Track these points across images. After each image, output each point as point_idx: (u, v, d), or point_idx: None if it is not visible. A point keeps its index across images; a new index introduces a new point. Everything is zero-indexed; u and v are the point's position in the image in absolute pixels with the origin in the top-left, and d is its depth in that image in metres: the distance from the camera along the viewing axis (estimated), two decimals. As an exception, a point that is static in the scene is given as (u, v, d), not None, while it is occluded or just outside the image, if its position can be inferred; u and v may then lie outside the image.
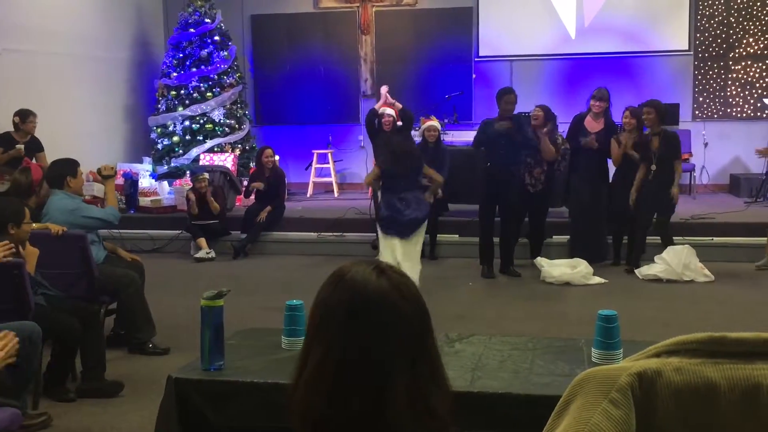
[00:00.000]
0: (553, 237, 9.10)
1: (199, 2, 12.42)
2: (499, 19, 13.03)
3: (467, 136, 11.32)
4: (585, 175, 8.64)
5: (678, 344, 1.28)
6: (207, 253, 9.56)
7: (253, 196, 10.46)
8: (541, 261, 8.31)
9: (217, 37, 12.44)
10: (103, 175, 6.26)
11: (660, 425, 1.23)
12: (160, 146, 12.33)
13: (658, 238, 8.49)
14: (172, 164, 12.12)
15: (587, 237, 8.76)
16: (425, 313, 1.42)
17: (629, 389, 1.23)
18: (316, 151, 12.81)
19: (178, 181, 11.48)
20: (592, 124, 8.66)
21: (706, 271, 8.09)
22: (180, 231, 10.13)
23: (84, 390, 4.96)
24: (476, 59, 13.15)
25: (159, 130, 12.38)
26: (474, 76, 13.10)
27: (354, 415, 1.28)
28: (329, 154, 12.78)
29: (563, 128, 9.24)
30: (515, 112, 8.26)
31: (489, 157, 8.23)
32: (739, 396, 1.23)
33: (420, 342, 1.37)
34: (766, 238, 8.45)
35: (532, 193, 8.46)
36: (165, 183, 11.76)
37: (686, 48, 12.62)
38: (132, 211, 10.90)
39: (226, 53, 12.47)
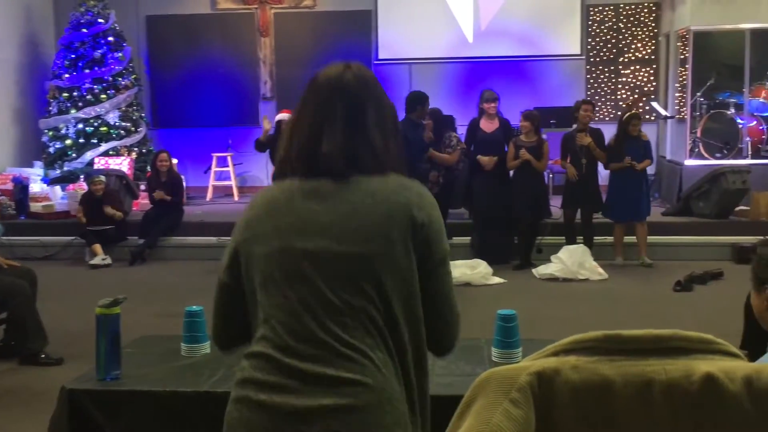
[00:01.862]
0: (453, 239, 9.19)
1: (92, 2, 12.11)
2: (398, 22, 13.13)
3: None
4: (486, 176, 8.75)
5: (575, 343, 1.31)
6: (102, 260, 9.32)
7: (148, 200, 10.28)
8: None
9: (111, 38, 12.15)
10: None
11: (559, 422, 1.26)
12: (52, 150, 11.96)
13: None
14: (65, 168, 11.76)
15: (491, 238, 8.88)
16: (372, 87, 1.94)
17: (529, 388, 1.25)
18: (215, 154, 12.63)
19: (71, 186, 11.14)
20: (488, 125, 8.82)
21: (600, 270, 8.33)
22: (74, 237, 9.83)
23: None
24: (375, 62, 13.21)
25: (51, 133, 12.00)
26: (374, 78, 13.15)
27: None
28: (229, 158, 12.63)
29: (461, 131, 9.37)
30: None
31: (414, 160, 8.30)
32: (634, 392, 1.26)
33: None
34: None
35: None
36: (58, 188, 11.40)
37: (578, 52, 12.98)
38: (22, 218, 10.52)
39: (120, 54, 12.19)
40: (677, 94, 12.21)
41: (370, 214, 1.79)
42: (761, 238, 2.96)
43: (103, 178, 9.89)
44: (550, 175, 11.79)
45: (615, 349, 1.30)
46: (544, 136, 9.18)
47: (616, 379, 1.26)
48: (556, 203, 9.84)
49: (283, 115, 9.35)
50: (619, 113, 11.28)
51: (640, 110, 10.47)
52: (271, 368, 1.76)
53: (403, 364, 1.79)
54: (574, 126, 9.12)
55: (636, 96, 12.28)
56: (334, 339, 1.72)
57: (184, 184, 11.29)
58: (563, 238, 8.93)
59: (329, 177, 1.82)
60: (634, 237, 8.84)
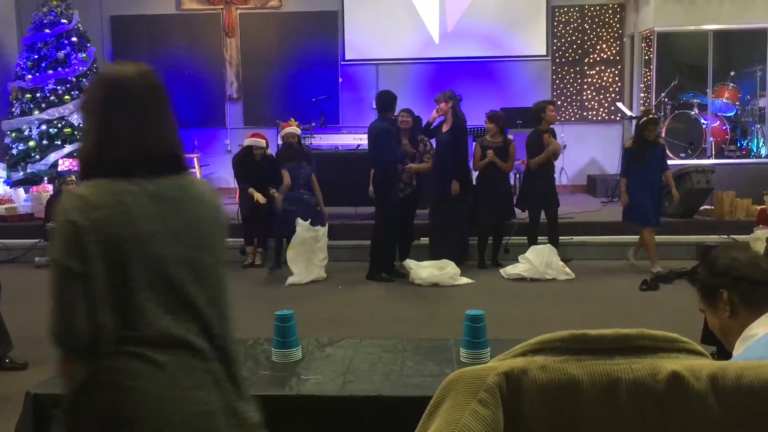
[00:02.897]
0: (421, 239, 9.21)
1: (55, 2, 11.97)
2: (365, 23, 13.13)
3: (334, 140, 11.35)
4: (441, 176, 8.72)
5: (542, 343, 1.32)
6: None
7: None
8: (410, 263, 8.41)
9: (74, 38, 12.02)
10: None
11: (527, 422, 1.26)
12: (14, 151, 11.80)
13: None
14: (29, 170, 11.61)
15: (447, 237, 8.88)
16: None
17: (497, 389, 1.25)
18: (181, 156, 12.55)
19: (35, 188, 11.00)
20: (444, 126, 8.85)
21: (567, 270, 8.39)
22: (38, 240, 9.71)
23: None
24: (342, 63, 13.21)
25: (13, 134, 11.84)
26: (341, 79, 13.15)
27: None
28: (195, 159, 12.55)
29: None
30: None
31: (394, 160, 8.27)
32: (601, 391, 1.27)
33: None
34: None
35: (402, 197, 8.51)
36: (21, 190, 11.25)
37: (544, 53, 13.07)
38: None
39: (84, 55, 12.06)
40: (642, 95, 12.36)
41: (209, 220, 2.04)
42: (714, 241, 3.00)
43: (73, 177, 9.79)
44: (516, 176, 11.88)
45: (582, 348, 1.31)
46: (510, 137, 9.21)
47: (583, 379, 1.27)
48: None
49: (253, 140, 9.23)
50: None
51: (656, 113, 10.38)
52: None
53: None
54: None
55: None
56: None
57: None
58: (527, 238, 8.97)
59: (167, 177, 1.96)
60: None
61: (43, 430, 2.75)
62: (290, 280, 8.27)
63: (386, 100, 8.39)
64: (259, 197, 8.77)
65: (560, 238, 8.95)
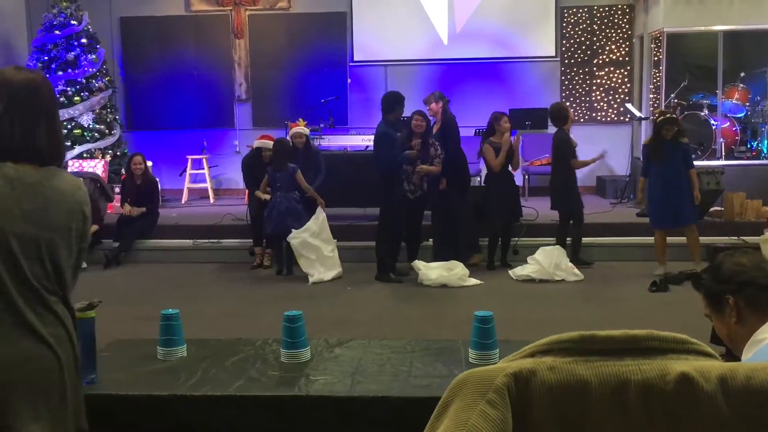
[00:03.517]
0: (429, 240, 9.21)
1: (65, 3, 12.00)
2: (373, 24, 13.14)
3: (343, 141, 11.37)
4: (443, 176, 8.70)
5: (551, 344, 1.32)
6: (77, 263, 9.23)
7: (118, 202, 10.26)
8: (418, 264, 8.41)
9: (84, 40, 12.05)
10: None
11: (535, 423, 1.26)
12: (24, 152, 11.84)
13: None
14: (39, 171, 11.65)
15: (450, 237, 8.87)
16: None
17: (506, 389, 1.26)
18: (190, 157, 12.58)
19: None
20: (435, 126, 8.86)
21: (576, 271, 8.38)
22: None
23: None
24: (351, 64, 13.21)
25: (23, 135, 11.88)
26: (349, 80, 13.16)
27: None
28: (204, 160, 12.58)
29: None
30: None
31: (399, 162, 8.26)
32: (610, 392, 1.27)
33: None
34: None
35: (412, 199, 8.53)
36: (31, 191, 11.29)
37: (553, 54, 13.05)
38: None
39: (94, 56, 12.10)
40: (651, 96, 12.32)
41: (60, 207, 2.35)
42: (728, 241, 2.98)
43: (81, 180, 9.84)
44: (526, 177, 11.87)
45: (591, 349, 1.31)
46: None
47: (592, 380, 1.27)
48: (533, 204, 9.94)
49: (262, 142, 9.27)
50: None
51: (675, 114, 10.25)
52: None
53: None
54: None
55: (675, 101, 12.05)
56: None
57: (159, 186, 11.23)
58: (539, 239, 8.97)
59: (32, 167, 2.34)
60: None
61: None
62: (312, 279, 8.38)
63: (389, 102, 8.42)
64: (266, 197, 8.79)
65: (570, 240, 8.97)
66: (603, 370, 1.28)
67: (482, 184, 9.59)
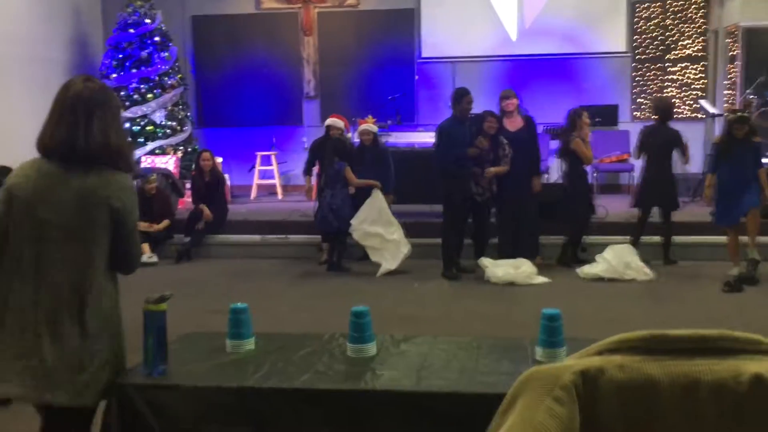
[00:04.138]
0: (497, 238, 9.15)
1: (139, 2, 12.26)
2: (442, 20, 13.10)
3: (410, 138, 11.36)
4: (514, 174, 8.61)
5: (620, 342, 1.30)
6: (149, 258, 9.42)
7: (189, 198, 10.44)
8: (485, 261, 8.36)
9: (157, 38, 12.29)
10: None
11: (603, 421, 1.25)
12: (100, 149, 12.11)
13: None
14: (113, 167, 11.91)
15: (517, 236, 8.79)
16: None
17: (573, 387, 1.24)
18: (259, 153, 12.73)
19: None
20: (511, 124, 8.72)
21: (647, 270, 8.23)
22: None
23: None
24: (419, 60, 13.20)
25: (99, 132, 12.16)
26: (417, 77, 13.15)
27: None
28: (273, 156, 12.71)
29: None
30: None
31: (455, 159, 8.23)
32: (680, 391, 1.25)
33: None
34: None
35: (480, 201, 8.51)
36: (105, 186, 11.56)
37: (624, 50, 12.84)
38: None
39: (166, 54, 12.32)
40: (727, 92, 12.03)
41: (86, 200, 2.73)
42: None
43: (155, 176, 10.05)
44: (595, 174, 11.71)
45: (661, 349, 1.28)
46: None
47: (661, 379, 1.25)
48: (603, 202, 9.82)
49: (333, 120, 9.39)
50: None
51: (750, 111, 9.95)
52: None
53: None
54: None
55: (750, 97, 11.74)
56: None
57: (228, 182, 11.40)
58: (609, 237, 8.86)
59: (75, 165, 2.76)
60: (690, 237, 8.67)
61: (127, 419, 2.83)
62: (381, 270, 8.44)
63: (453, 98, 8.54)
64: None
65: (643, 237, 8.86)
66: (673, 369, 1.26)
67: (560, 182, 9.53)
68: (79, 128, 2.72)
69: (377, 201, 8.55)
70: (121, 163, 2.82)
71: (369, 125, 9.33)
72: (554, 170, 11.01)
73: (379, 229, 8.49)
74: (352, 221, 8.48)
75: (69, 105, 2.75)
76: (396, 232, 8.58)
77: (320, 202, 8.87)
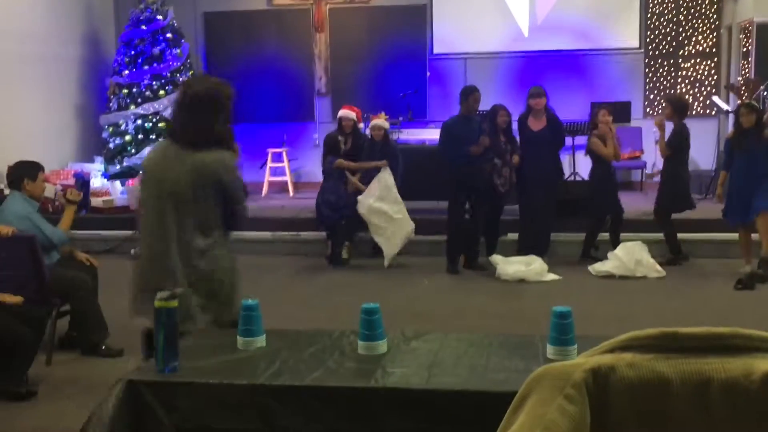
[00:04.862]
0: (508, 235, 9.15)
1: (151, -1, 12.28)
2: (453, 16, 13.08)
3: (422, 134, 11.36)
4: (537, 171, 8.61)
5: (631, 340, 1.30)
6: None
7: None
8: (496, 258, 8.36)
9: (169, 35, 12.29)
10: (68, 199, 6.17)
11: (614, 420, 1.24)
12: (111, 145, 12.15)
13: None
14: (125, 164, 11.96)
15: (537, 232, 8.79)
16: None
17: (584, 385, 1.24)
18: (270, 150, 12.74)
19: (131, 181, 11.33)
20: (535, 123, 8.69)
21: (658, 267, 8.21)
22: (133, 231, 9.99)
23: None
24: (431, 57, 13.19)
25: (111, 129, 12.21)
26: (428, 73, 13.14)
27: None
28: (284, 153, 12.72)
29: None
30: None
31: (459, 156, 8.23)
32: (691, 390, 1.24)
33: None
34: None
35: (502, 192, 8.55)
36: (117, 183, 11.61)
37: (637, 46, 12.79)
38: (84, 212, 10.72)
39: (178, 51, 12.34)
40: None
41: (199, 173, 3.63)
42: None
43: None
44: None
45: (672, 346, 1.28)
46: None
47: (673, 377, 1.25)
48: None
49: (345, 112, 9.41)
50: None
51: (763, 106, 9.78)
52: None
53: None
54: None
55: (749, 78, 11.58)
56: None
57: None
58: (623, 234, 8.86)
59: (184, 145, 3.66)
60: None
61: (138, 416, 2.84)
62: (386, 261, 8.47)
63: (460, 95, 8.54)
64: (356, 183, 8.95)
65: (651, 235, 8.83)
66: (685, 367, 1.25)
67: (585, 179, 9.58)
68: (197, 118, 3.60)
69: (385, 178, 8.60)
70: (223, 145, 3.71)
71: (381, 121, 9.33)
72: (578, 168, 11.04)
73: (385, 206, 8.51)
74: (360, 197, 8.57)
75: (187, 101, 3.64)
76: (400, 212, 8.59)
77: (324, 203, 8.96)
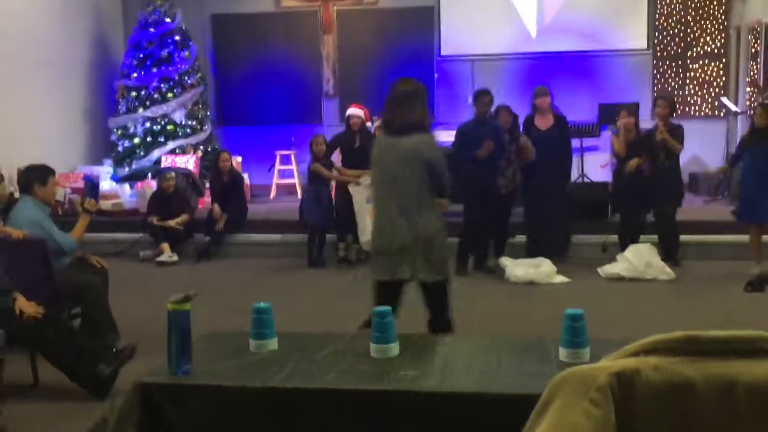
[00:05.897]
0: (516, 237, 9.12)
1: (159, 1, 12.28)
2: (461, 18, 13.08)
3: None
4: (542, 171, 8.59)
5: (655, 343, 1.29)
6: (169, 257, 9.46)
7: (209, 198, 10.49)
8: (505, 260, 8.34)
9: (177, 37, 12.32)
10: (84, 208, 6.18)
11: (639, 423, 1.24)
12: (120, 148, 12.17)
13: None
14: (134, 166, 11.97)
15: (545, 233, 8.76)
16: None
17: (609, 389, 1.23)
18: (279, 152, 12.74)
19: (139, 184, 11.35)
20: (542, 122, 8.69)
21: (668, 269, 8.18)
22: (142, 234, 10.01)
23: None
24: (438, 58, 13.18)
25: (119, 131, 12.23)
26: (436, 75, 13.13)
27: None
28: (292, 155, 12.71)
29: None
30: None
31: (467, 159, 8.21)
32: (716, 393, 1.24)
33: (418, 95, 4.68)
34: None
35: (504, 193, 8.51)
36: (126, 185, 11.62)
37: (645, 47, 12.77)
38: (94, 216, 10.73)
39: (187, 53, 12.36)
40: (748, 89, 11.93)
41: (407, 155, 4.44)
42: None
43: (173, 174, 10.06)
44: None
45: (697, 350, 1.27)
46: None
47: (697, 380, 1.24)
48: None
49: (353, 110, 9.44)
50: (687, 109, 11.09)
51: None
52: None
53: None
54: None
55: None
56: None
57: (248, 182, 11.40)
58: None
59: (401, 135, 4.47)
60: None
61: (150, 418, 2.84)
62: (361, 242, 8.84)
63: (472, 97, 8.50)
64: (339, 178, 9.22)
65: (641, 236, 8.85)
66: (709, 371, 1.25)
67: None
68: (402, 111, 4.48)
69: (359, 196, 8.83)
70: (424, 130, 4.53)
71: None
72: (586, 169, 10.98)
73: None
74: (361, 239, 8.80)
75: (395, 97, 4.53)
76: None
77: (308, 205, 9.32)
